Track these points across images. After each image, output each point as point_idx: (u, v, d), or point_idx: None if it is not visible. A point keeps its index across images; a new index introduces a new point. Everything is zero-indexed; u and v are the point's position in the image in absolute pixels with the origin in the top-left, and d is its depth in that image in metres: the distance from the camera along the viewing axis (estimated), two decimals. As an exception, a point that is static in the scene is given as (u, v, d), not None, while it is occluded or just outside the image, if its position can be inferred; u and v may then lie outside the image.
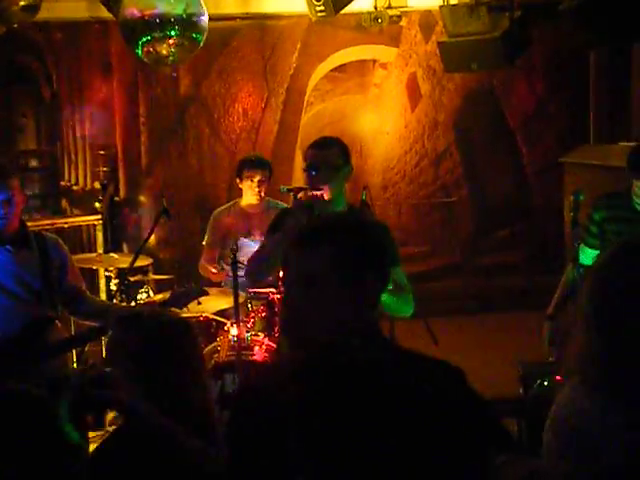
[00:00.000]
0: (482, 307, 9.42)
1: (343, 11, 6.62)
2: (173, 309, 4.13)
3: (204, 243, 5.78)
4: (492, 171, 10.26)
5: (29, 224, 4.23)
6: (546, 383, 4.40)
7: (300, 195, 3.85)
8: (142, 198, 9.33)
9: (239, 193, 5.81)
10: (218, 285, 5.60)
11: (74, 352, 5.37)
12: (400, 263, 4.01)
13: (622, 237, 4.07)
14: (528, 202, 9.83)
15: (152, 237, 7.37)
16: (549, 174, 8.88)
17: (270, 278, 5.21)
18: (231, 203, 5.88)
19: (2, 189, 3.85)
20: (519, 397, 4.11)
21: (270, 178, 5.62)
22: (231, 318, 5.06)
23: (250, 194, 5.54)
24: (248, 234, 5.57)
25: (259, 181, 5.52)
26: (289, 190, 3.92)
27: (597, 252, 4.24)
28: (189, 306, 5.20)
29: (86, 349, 5.88)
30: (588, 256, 4.30)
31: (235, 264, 4.44)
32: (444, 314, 8.79)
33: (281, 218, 4.09)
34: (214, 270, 5.52)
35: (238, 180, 5.64)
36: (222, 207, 5.92)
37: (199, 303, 4.61)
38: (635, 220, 4.11)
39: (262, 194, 5.54)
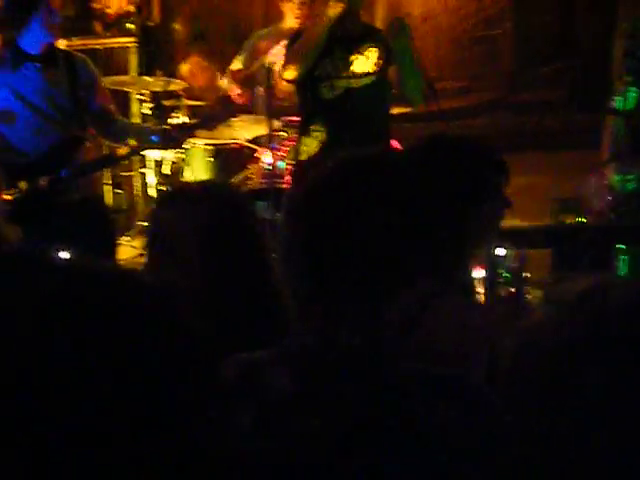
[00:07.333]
0: (520, 145, 9.25)
1: None
2: (204, 130, 4.09)
3: (237, 57, 5.57)
4: (539, 3, 9.87)
5: (61, 45, 4.16)
6: (579, 218, 4.34)
7: None
8: (176, 24, 9.11)
9: (276, 20, 5.61)
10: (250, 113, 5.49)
11: (108, 175, 5.37)
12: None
13: None
14: (575, 38, 9.47)
15: (185, 66, 7.22)
16: (600, 9, 8.49)
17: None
18: (271, 27, 5.66)
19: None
20: (553, 227, 4.06)
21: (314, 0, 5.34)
22: (264, 146, 4.98)
23: (291, 16, 5.30)
24: None
25: (301, 2, 5.24)
26: None
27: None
28: (222, 133, 5.14)
29: (120, 174, 5.88)
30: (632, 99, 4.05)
31: (270, 88, 4.31)
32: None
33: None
34: (238, 90, 5.36)
35: (280, 2, 5.40)
36: (262, 30, 5.73)
37: (229, 124, 4.52)
38: None
39: (304, 17, 5.26)
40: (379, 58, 3.98)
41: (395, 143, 4.55)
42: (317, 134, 4.04)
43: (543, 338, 0.96)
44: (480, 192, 1.78)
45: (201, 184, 2.25)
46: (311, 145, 4.07)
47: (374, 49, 3.97)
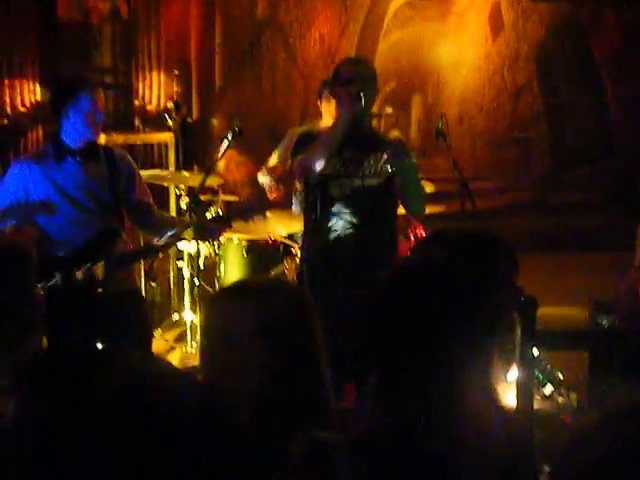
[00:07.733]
0: (556, 246, 9.22)
1: None
2: (239, 223, 4.13)
3: (274, 153, 5.67)
4: (574, 106, 9.95)
5: (101, 140, 4.26)
6: (615, 321, 4.29)
7: None
8: (214, 121, 9.29)
9: (313, 118, 5.72)
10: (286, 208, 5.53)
11: (142, 267, 5.39)
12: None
13: None
14: (610, 139, 9.51)
15: (222, 161, 7.33)
16: (636, 110, 8.55)
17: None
18: (309, 124, 5.77)
19: (96, 98, 3.90)
20: (590, 330, 4.00)
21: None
22: (300, 242, 5.00)
23: (328, 117, 5.42)
24: None
25: (337, 106, 5.35)
26: None
27: None
28: (258, 228, 5.17)
29: (155, 265, 5.90)
30: None
31: (308, 185, 4.34)
32: (516, 251, 8.61)
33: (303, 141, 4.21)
34: (274, 186, 5.40)
35: (319, 101, 5.53)
36: (299, 127, 5.85)
37: (265, 217, 4.55)
38: None
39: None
40: (385, 163, 4.11)
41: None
42: (325, 231, 4.13)
43: (595, 447, 0.93)
44: (488, 280, 1.76)
45: (261, 279, 2.34)
46: (320, 241, 4.15)
47: (380, 154, 4.11)
